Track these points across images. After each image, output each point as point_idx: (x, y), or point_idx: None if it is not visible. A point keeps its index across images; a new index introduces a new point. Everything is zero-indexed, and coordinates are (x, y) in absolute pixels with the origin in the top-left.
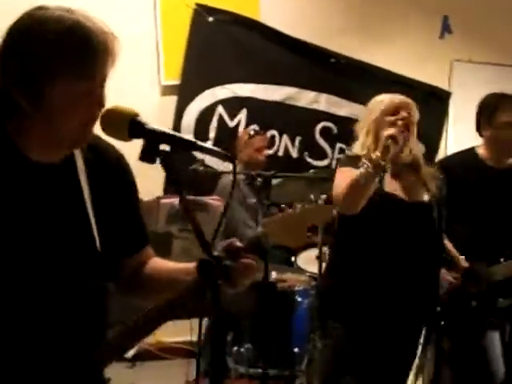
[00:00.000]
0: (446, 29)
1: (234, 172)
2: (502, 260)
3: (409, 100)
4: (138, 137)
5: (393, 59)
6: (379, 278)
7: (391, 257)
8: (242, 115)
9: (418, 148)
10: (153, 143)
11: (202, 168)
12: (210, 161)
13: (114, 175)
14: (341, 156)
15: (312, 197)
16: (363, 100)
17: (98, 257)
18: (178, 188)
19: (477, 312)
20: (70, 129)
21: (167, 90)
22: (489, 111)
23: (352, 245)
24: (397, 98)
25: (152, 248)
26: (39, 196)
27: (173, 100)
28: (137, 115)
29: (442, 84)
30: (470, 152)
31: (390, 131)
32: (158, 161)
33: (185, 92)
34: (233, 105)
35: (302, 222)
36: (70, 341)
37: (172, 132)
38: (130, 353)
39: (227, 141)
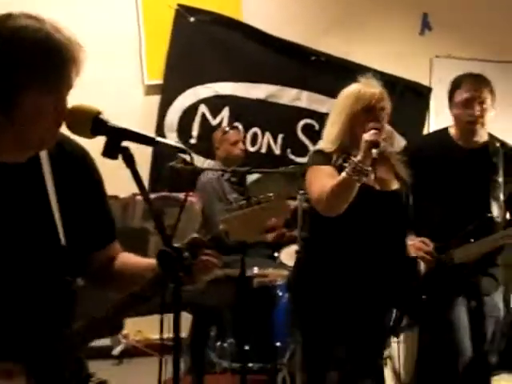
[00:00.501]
0: (425, 26)
1: (192, 164)
2: (471, 240)
3: (382, 89)
4: (100, 134)
5: (374, 56)
6: (353, 264)
7: (364, 245)
8: (225, 113)
9: (393, 140)
10: (115, 140)
11: (180, 165)
12: (194, 158)
13: (79, 172)
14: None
15: (270, 194)
16: None
17: (63, 252)
18: (140, 183)
19: (442, 290)
20: (39, 135)
21: (150, 90)
22: (452, 90)
23: (325, 235)
24: (373, 90)
25: (129, 244)
26: (4, 194)
27: (156, 99)
28: (99, 113)
29: (423, 80)
30: (443, 132)
31: (371, 137)
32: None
33: (167, 91)
34: (215, 103)
35: (262, 217)
36: (34, 334)
37: (132, 129)
38: (117, 350)
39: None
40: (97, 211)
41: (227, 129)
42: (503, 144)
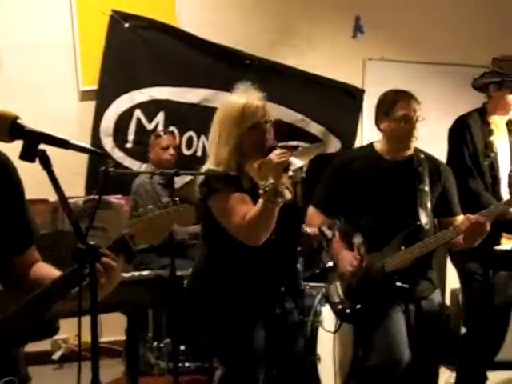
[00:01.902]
0: (358, 29)
1: (106, 170)
2: (402, 248)
3: (263, 101)
4: (18, 138)
5: (308, 59)
6: (256, 278)
7: (269, 259)
8: (160, 118)
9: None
10: (31, 143)
11: (111, 169)
12: (130, 162)
13: None
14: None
15: (178, 199)
16: (279, 100)
17: None
18: (57, 186)
19: (378, 297)
20: None
21: (85, 96)
22: (387, 105)
23: (228, 252)
24: (256, 104)
25: (59, 247)
26: None
27: (91, 105)
28: (17, 118)
29: (356, 82)
30: (369, 147)
31: (280, 158)
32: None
33: (103, 97)
34: (150, 108)
35: (167, 222)
36: None
37: (47, 132)
38: (57, 354)
39: (146, 143)
40: (15, 217)
41: (161, 133)
42: (427, 155)
